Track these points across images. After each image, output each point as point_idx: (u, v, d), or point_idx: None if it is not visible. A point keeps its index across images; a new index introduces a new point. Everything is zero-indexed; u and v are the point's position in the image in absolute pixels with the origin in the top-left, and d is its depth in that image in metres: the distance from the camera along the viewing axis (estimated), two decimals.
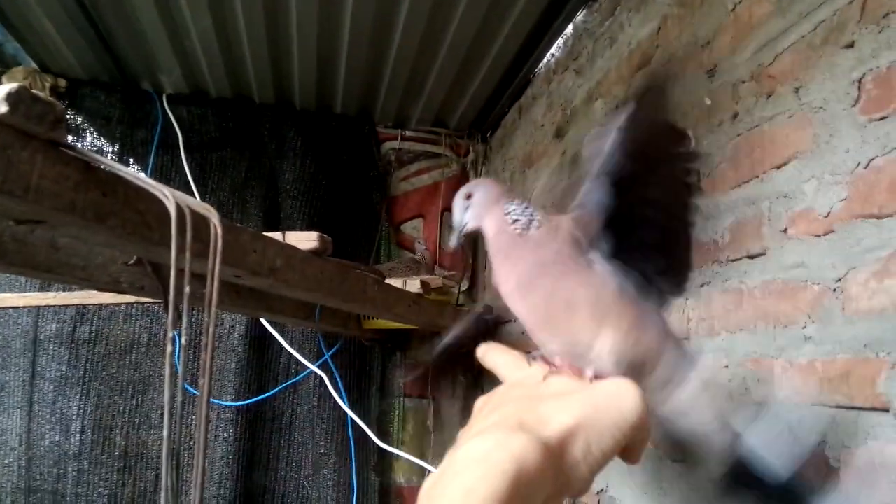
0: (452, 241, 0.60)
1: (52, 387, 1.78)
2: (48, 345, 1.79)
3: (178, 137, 1.91)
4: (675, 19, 1.05)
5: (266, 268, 0.86)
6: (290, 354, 1.75)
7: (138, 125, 1.94)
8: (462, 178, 2.17)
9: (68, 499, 1.73)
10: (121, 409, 1.81)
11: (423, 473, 1.92)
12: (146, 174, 1.53)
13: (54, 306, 1.67)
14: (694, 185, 0.54)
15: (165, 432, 0.51)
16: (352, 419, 1.75)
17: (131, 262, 0.94)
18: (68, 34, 1.64)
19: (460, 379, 2.13)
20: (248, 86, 1.93)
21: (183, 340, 0.52)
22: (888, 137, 0.61)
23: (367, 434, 1.73)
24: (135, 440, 1.81)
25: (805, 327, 0.70)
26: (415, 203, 2.15)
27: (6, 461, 1.76)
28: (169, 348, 0.50)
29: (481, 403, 0.41)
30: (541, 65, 1.75)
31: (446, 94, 1.92)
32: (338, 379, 1.76)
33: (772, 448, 0.43)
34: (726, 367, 0.82)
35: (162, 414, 1.81)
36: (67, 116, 1.78)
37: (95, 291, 1.23)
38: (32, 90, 0.50)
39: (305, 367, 1.76)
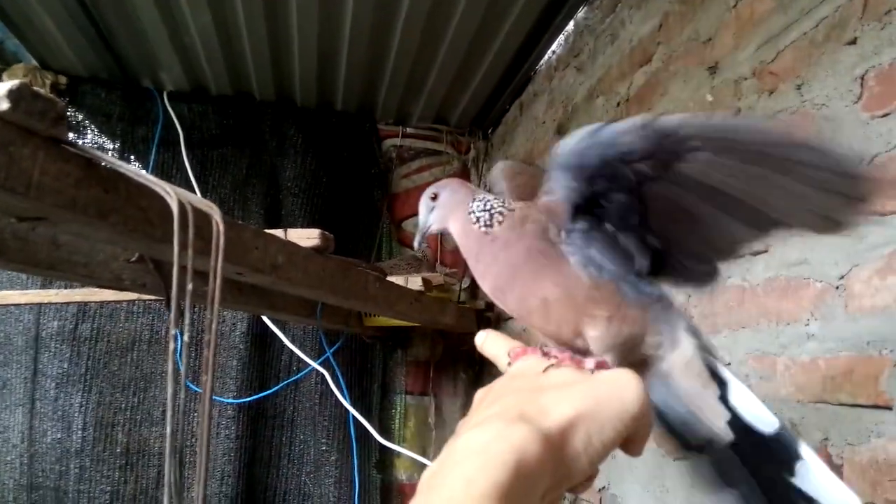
0: (416, 243, 0.61)
1: (53, 384, 1.78)
2: (50, 342, 1.80)
3: (178, 135, 1.91)
4: (677, 16, 1.05)
5: (268, 265, 0.86)
6: (292, 352, 1.75)
7: (139, 122, 1.94)
8: (463, 175, 2.17)
9: (70, 495, 1.73)
10: (123, 406, 1.82)
11: (424, 470, 1.92)
12: (147, 171, 1.52)
13: (56, 303, 1.67)
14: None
15: (168, 429, 0.51)
16: (353, 416, 1.75)
17: (133, 259, 0.94)
18: (69, 31, 1.64)
19: (461, 376, 2.14)
20: (249, 83, 1.93)
21: (185, 337, 0.52)
22: (891, 134, 0.61)
23: (368, 431, 1.73)
24: (136, 437, 1.81)
25: (808, 325, 0.70)
26: (416, 200, 2.10)
27: (8, 458, 1.76)
28: (171, 345, 0.50)
29: (482, 394, 0.41)
30: (542, 62, 1.75)
31: (447, 91, 1.92)
32: (339, 376, 1.76)
33: (752, 404, 0.44)
34: (729, 364, 0.82)
35: (163, 411, 1.82)
36: (68, 114, 1.78)
37: (97, 288, 1.23)
38: (33, 87, 0.50)
39: (307, 365, 1.77)
